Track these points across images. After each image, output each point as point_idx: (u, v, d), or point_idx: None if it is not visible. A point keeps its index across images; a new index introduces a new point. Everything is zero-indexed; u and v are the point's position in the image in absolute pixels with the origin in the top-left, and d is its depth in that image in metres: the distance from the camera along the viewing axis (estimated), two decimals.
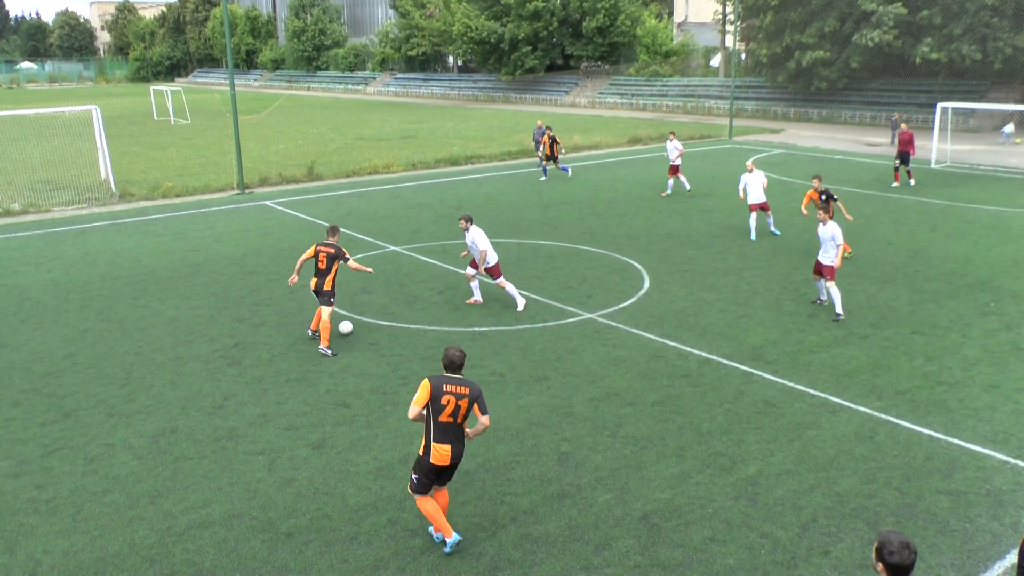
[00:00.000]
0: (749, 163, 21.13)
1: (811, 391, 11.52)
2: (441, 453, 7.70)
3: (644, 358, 12.76)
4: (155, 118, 59.83)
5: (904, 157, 28.04)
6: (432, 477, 7.84)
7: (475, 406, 7.73)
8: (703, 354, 12.91)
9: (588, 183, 28.95)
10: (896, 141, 31.24)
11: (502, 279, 15.16)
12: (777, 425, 10.52)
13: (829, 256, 14.51)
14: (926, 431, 10.34)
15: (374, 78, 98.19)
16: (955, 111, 40.92)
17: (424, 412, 7.73)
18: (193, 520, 8.59)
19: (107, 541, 8.27)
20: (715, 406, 11.07)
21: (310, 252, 13.33)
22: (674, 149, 26.45)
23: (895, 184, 28.36)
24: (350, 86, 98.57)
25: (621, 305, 15.34)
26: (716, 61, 69.03)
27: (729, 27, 60.51)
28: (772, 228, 21.36)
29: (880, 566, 4.89)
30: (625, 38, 70.56)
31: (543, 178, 30.09)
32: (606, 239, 20.61)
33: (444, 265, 18.17)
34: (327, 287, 13.22)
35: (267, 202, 26.48)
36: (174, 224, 23.19)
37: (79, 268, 18.48)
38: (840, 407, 11.03)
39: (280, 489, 9.16)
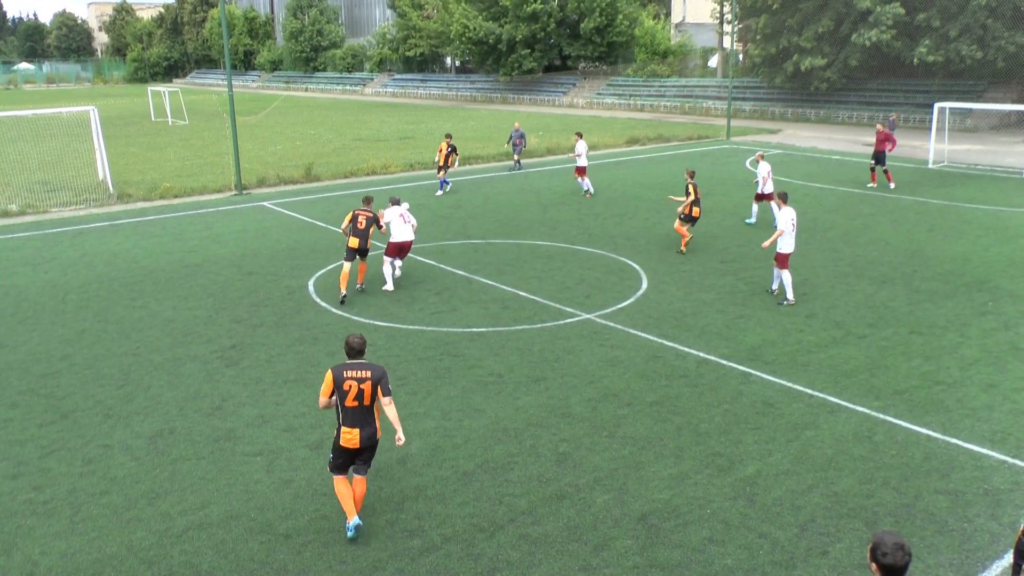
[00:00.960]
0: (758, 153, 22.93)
1: (809, 391, 11.52)
2: (348, 436, 8.02)
3: (642, 358, 12.76)
4: (153, 119, 59.79)
5: (879, 157, 27.50)
6: (345, 457, 8.15)
7: (379, 388, 7.94)
8: (701, 354, 12.91)
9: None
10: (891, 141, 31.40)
11: (389, 261, 16.44)
12: (775, 425, 10.52)
13: (787, 244, 15.17)
14: (924, 431, 10.35)
15: (372, 79, 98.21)
16: (952, 111, 40.96)
17: (334, 400, 8.02)
18: (191, 521, 8.58)
19: (105, 543, 8.26)
20: (713, 406, 11.07)
21: (349, 217, 15.83)
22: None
23: (871, 185, 28.09)
24: (348, 87, 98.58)
25: (619, 305, 15.35)
26: (714, 62, 69.10)
27: (727, 27, 60.49)
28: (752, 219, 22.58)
29: (874, 567, 4.89)
30: (623, 38, 70.62)
31: (439, 192, 27.42)
32: (604, 239, 20.61)
33: (442, 266, 18.17)
34: (368, 245, 15.58)
35: (265, 203, 26.46)
36: (172, 225, 23.17)
37: (77, 269, 18.45)
38: (838, 407, 11.03)
39: (278, 490, 9.14)
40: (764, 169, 21.82)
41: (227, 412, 11.09)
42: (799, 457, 9.73)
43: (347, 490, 8.17)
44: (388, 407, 7.99)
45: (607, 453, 9.85)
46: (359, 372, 7.93)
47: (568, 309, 15.15)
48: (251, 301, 15.94)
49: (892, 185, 27.87)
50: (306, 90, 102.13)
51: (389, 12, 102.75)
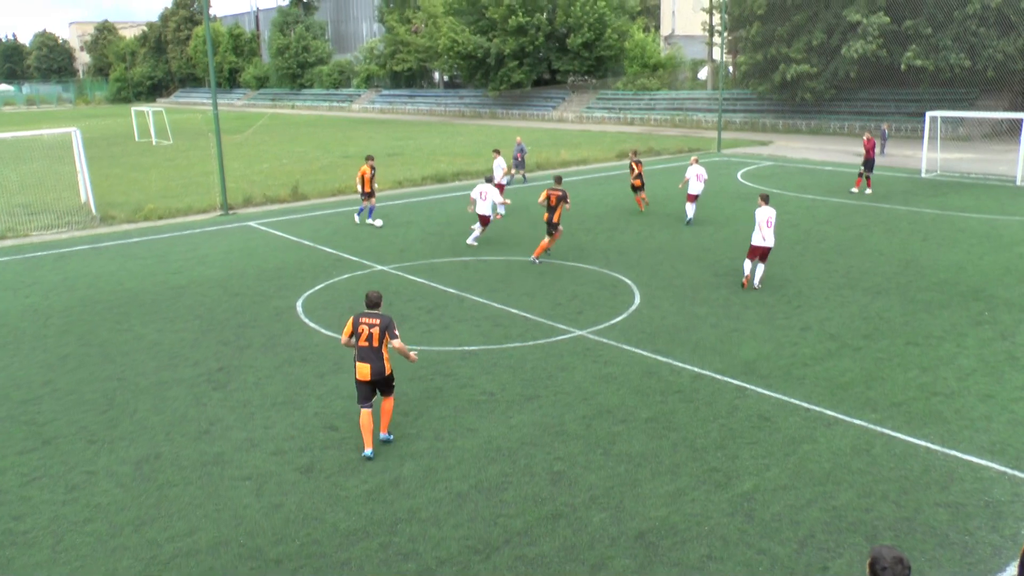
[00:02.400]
0: (693, 158, 25.35)
1: (805, 405, 11.54)
2: (362, 370, 10.18)
3: (636, 374, 12.76)
4: (136, 139, 59.78)
5: (869, 164, 29.35)
6: (362, 390, 10.29)
7: (386, 333, 10.10)
8: (696, 369, 12.92)
9: (577, 198, 28.99)
10: (883, 151, 31.81)
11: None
12: (772, 440, 10.52)
13: (754, 238, 17.10)
14: (922, 443, 10.36)
15: (359, 95, 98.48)
16: (944, 120, 41.32)
17: (352, 340, 10.24)
18: (179, 548, 8.51)
19: (89, 572, 8.18)
20: (709, 422, 11.07)
21: (543, 195, 19.48)
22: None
23: (854, 190, 29.36)
24: (335, 103, 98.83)
25: (612, 321, 15.36)
26: (704, 74, 69.52)
27: (716, 39, 60.95)
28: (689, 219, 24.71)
29: None
30: (612, 52, 71.04)
31: (360, 219, 25.63)
32: (596, 255, 20.65)
33: (432, 284, 18.16)
34: (556, 220, 17.66)
35: (251, 223, 26.44)
36: (157, 247, 23.13)
37: (59, 293, 18.38)
38: (835, 420, 11.04)
39: (268, 515, 9.09)
40: (691, 172, 24.46)
41: (215, 436, 11.03)
42: (797, 471, 9.73)
43: (369, 423, 10.22)
44: (395, 343, 10.08)
45: (602, 471, 9.83)
46: (372, 319, 10.15)
47: (560, 326, 15.15)
48: (238, 322, 15.89)
49: (854, 190, 29.36)
50: (293, 107, 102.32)
51: (376, 27, 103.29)
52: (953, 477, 9.55)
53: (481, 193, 21.70)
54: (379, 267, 19.95)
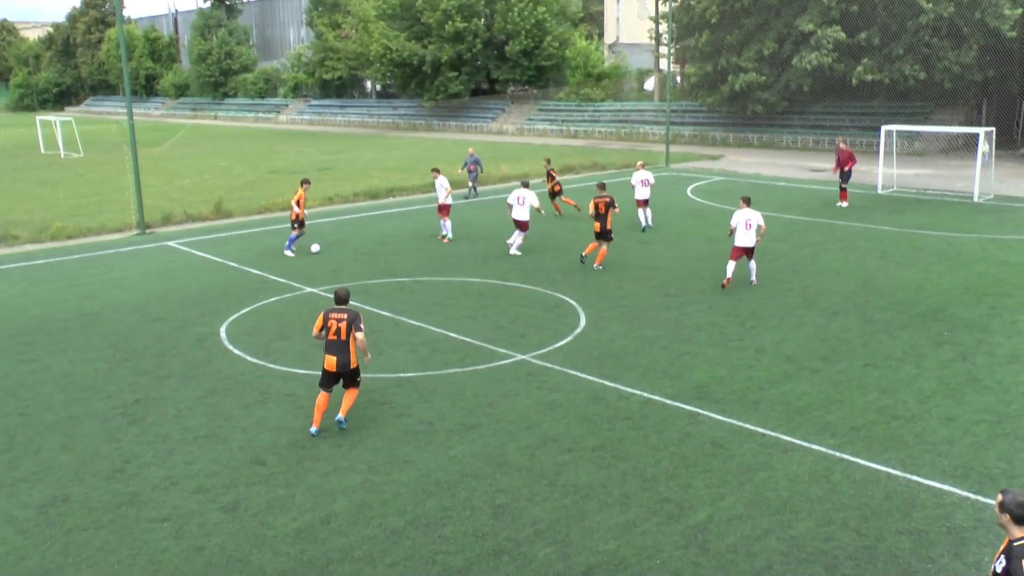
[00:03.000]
0: (639, 163, 27.59)
1: (761, 430, 11.71)
2: (329, 362, 11.64)
3: (583, 401, 12.83)
4: (42, 151, 58.48)
5: (846, 176, 30.56)
6: (327, 378, 11.76)
7: (352, 327, 11.58)
8: (645, 394, 13.04)
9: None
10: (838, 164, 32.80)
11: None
12: (727, 468, 10.66)
13: (751, 237, 19.04)
14: (883, 468, 10.59)
15: (287, 105, 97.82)
16: (900, 134, 42.44)
17: (323, 334, 11.71)
18: None
19: None
20: (660, 450, 11.17)
21: (591, 205, 20.89)
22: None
23: (842, 204, 30.37)
24: (261, 114, 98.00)
25: (557, 345, 15.44)
26: (650, 84, 70.46)
27: (663, 49, 61.88)
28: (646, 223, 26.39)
29: None
30: (552, 60, 71.62)
31: (291, 253, 23.71)
32: (539, 274, 20.77)
33: (366, 307, 18.06)
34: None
35: (171, 242, 26.03)
36: (66, 269, 22.62)
37: None
38: (792, 446, 11.23)
39: (189, 559, 8.91)
40: (636, 177, 26.26)
41: (129, 474, 10.79)
42: (753, 500, 9.86)
43: (323, 404, 11.74)
44: (359, 335, 11.56)
45: (547, 503, 9.85)
46: (339, 315, 11.70)
47: (502, 350, 15.18)
48: (157, 351, 15.61)
49: (844, 204, 30.28)
50: (215, 118, 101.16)
51: (305, 32, 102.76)
52: (915, 503, 9.77)
53: (519, 198, 22.76)
54: (309, 289, 19.78)
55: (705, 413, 12.31)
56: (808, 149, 52.03)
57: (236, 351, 15.45)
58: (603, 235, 21.06)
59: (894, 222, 27.15)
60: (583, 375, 13.89)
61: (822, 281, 19.74)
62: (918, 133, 46.52)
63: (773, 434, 11.58)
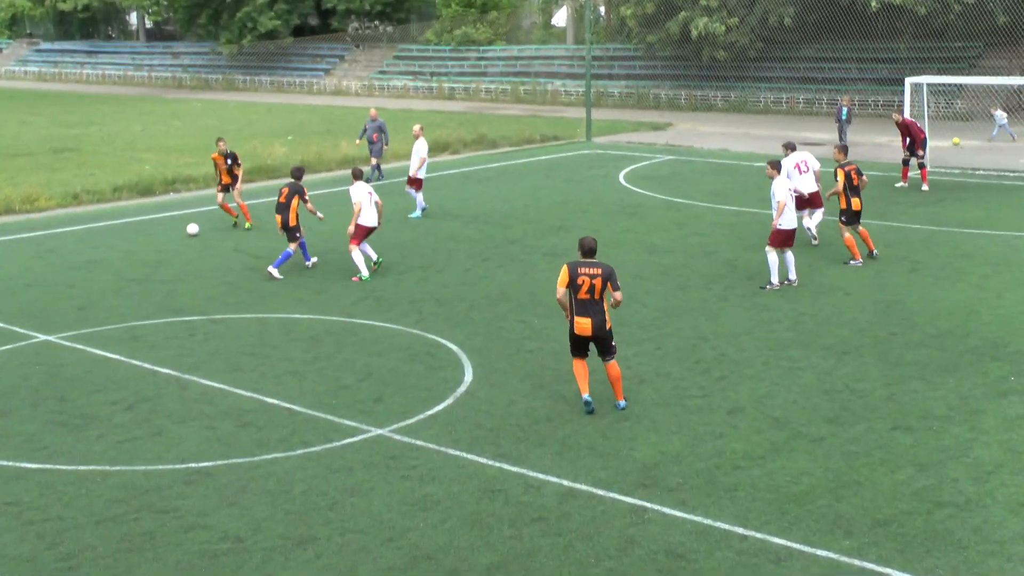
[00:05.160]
0: (416, 128, 29.62)
1: (740, 530, 11.62)
2: (582, 325, 14.29)
3: (471, 495, 12.64)
4: None
5: (920, 144, 31.28)
6: (578, 345, 14.63)
7: (608, 284, 14.21)
8: (565, 483, 12.91)
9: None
10: (843, 137, 33.48)
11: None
12: None
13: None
14: None
15: (1, 49, 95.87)
16: (932, 88, 41.80)
17: (568, 291, 14.25)
18: None
19: None
20: (591, 565, 10.98)
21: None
22: None
23: (902, 184, 31.81)
24: None
25: (430, 412, 15.33)
26: (561, 19, 71.21)
27: None
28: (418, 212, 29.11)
29: None
30: None
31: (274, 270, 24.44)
32: (401, 307, 20.65)
33: (135, 362, 17.62)
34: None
35: None
36: None
37: None
38: (788, 552, 11.14)
39: None
40: (423, 149, 28.70)
41: None
42: None
43: (583, 370, 14.76)
44: (617, 295, 14.47)
45: None
46: (592, 269, 14.19)
47: (347, 422, 15.00)
48: None
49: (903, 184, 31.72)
50: None
51: None
52: None
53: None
54: (42, 336, 19.34)
55: (655, 507, 12.19)
56: (797, 112, 52.70)
57: None
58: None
59: (928, 218, 27.69)
60: (470, 456, 13.74)
61: (824, 307, 19.97)
62: (960, 87, 46.93)
63: (758, 535, 11.49)
